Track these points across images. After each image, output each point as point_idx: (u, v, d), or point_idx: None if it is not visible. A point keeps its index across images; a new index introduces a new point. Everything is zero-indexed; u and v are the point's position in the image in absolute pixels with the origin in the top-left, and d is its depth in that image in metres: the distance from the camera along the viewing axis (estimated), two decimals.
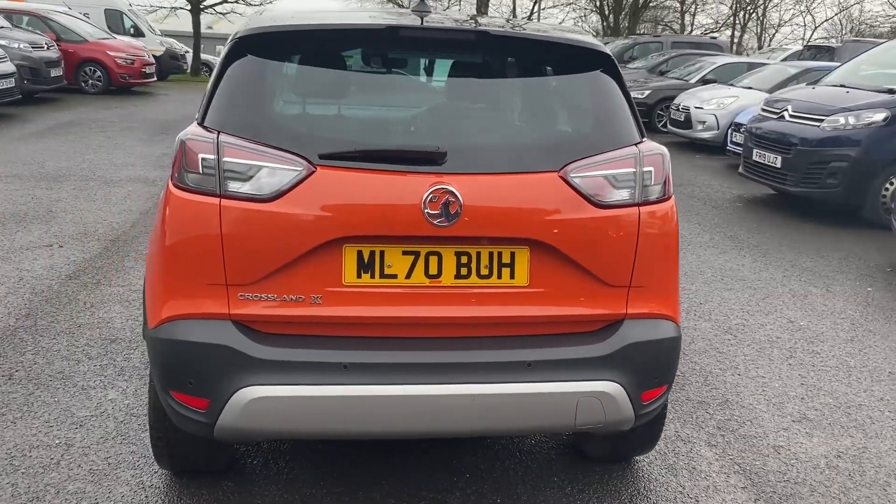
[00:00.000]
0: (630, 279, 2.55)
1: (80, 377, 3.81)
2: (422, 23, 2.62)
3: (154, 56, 18.92)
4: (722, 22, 39.58)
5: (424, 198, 2.35)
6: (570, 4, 34.11)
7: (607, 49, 2.73)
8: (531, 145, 2.56)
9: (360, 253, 2.39)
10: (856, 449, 3.47)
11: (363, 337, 2.44)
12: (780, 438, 3.53)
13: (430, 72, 2.75)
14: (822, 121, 8.09)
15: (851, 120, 7.92)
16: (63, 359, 4.01)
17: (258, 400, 2.33)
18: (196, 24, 26.53)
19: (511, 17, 25.69)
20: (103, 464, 3.07)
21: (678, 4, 39.63)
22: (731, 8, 38.69)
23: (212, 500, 2.86)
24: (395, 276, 2.41)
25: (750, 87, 12.73)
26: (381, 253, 2.40)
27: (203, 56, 26.06)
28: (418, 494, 2.94)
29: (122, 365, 3.97)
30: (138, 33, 22.48)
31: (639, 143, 2.62)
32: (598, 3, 34.85)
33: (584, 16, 36.87)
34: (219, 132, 2.43)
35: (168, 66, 22.18)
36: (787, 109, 8.58)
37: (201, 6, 26.57)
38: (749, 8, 39.05)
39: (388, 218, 2.38)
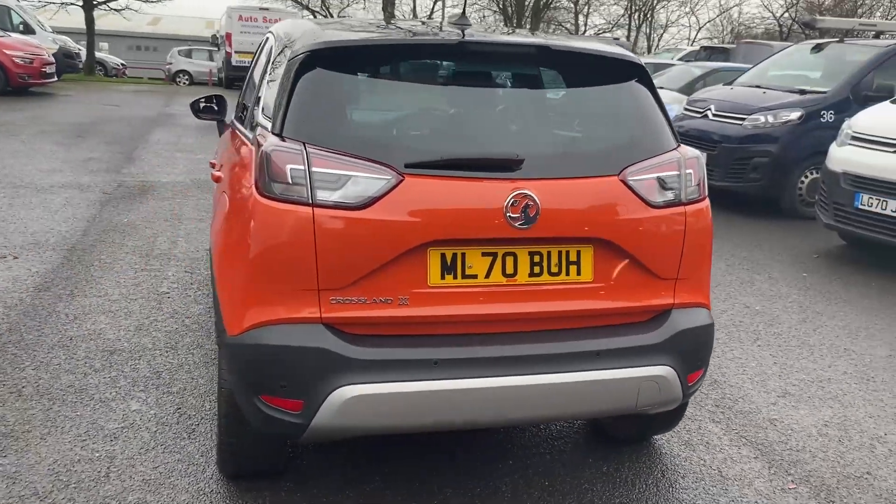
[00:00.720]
0: (677, 272, 2.80)
1: (94, 390, 3.75)
2: (463, 36, 2.77)
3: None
4: (614, 23, 41.19)
5: (507, 202, 2.52)
6: (472, 5, 34.63)
7: (641, 60, 2.97)
8: (592, 151, 2.77)
9: (443, 256, 2.53)
10: (838, 418, 3.87)
11: (448, 335, 2.58)
12: (772, 412, 3.89)
13: (493, 83, 2.91)
14: (743, 119, 8.71)
15: (770, 118, 8.57)
16: (68, 372, 3.93)
17: (355, 399, 2.44)
18: (89, 20, 25.38)
19: (546, 31, 25.24)
20: (154, 473, 3.07)
21: (572, 5, 40.95)
22: (625, 9, 40.28)
23: (275, 501, 2.93)
24: (475, 277, 2.57)
25: (662, 87, 13.42)
26: (463, 255, 2.55)
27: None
28: (472, 482, 3.10)
29: (131, 376, 3.93)
30: (28, 30, 21.30)
31: (676, 147, 2.87)
32: (500, 4, 35.62)
33: (485, 16, 37.55)
34: (304, 143, 2.51)
35: (63, 64, 21.14)
36: (710, 109, 9.17)
37: (94, 1, 25.43)
38: (644, 9, 40.75)
39: (471, 222, 2.53)
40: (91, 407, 3.59)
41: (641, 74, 2.92)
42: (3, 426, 3.35)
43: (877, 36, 10.03)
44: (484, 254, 2.57)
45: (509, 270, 2.60)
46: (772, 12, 40.39)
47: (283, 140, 2.55)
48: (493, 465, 3.25)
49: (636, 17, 41.35)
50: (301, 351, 2.47)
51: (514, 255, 2.60)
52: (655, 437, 3.55)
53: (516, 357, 2.57)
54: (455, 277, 2.55)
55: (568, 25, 42.16)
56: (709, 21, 46.49)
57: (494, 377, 2.54)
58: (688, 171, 2.81)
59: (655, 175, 2.75)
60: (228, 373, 2.65)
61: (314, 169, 2.47)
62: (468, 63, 2.82)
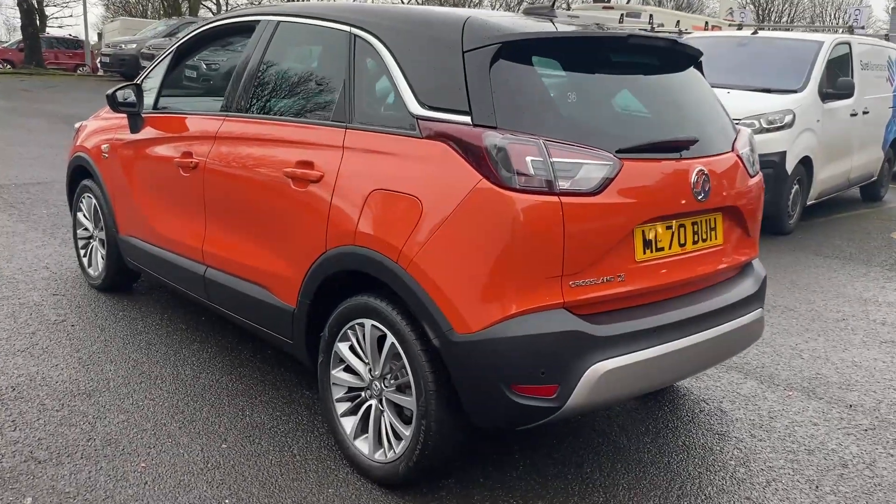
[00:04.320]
0: (757, 230, 3.35)
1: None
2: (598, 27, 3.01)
3: None
4: None
5: (693, 179, 2.84)
6: None
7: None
8: (716, 130, 3.17)
9: (643, 232, 2.76)
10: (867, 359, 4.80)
11: (652, 303, 2.83)
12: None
13: (650, 73, 3.13)
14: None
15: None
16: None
17: (607, 373, 2.59)
18: None
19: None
20: None
21: None
22: None
23: (463, 495, 2.91)
24: (662, 249, 2.84)
25: None
26: (654, 231, 2.81)
27: None
28: (550, 478, 3.16)
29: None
30: None
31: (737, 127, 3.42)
32: None
33: None
34: (537, 135, 2.54)
35: None
36: None
37: None
38: None
39: (671, 199, 2.80)
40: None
41: (700, 62, 3.39)
42: None
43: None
44: (667, 227, 2.85)
45: (681, 240, 2.92)
46: None
47: (505, 131, 2.55)
48: (554, 463, 3.53)
49: None
50: (556, 336, 2.54)
51: (684, 227, 2.92)
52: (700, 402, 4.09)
53: (699, 316, 2.92)
54: (651, 252, 2.80)
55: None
56: None
57: (693, 335, 2.86)
58: (753, 146, 3.37)
59: (747, 149, 3.26)
60: (465, 370, 2.59)
61: (553, 159, 2.53)
62: (631, 55, 3.02)
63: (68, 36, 35.88)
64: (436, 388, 2.67)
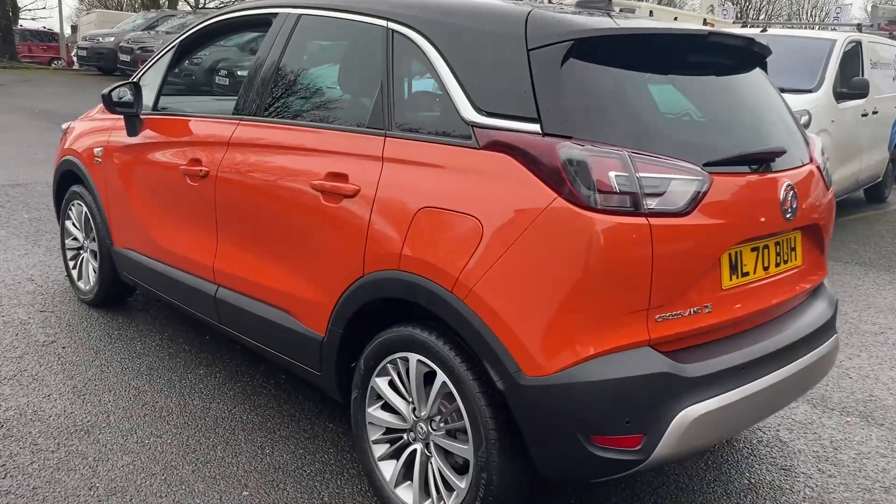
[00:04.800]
0: (827, 248, 3.04)
1: None
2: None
3: None
4: None
5: (782, 195, 2.52)
6: None
7: None
8: (793, 138, 2.84)
9: (730, 256, 2.44)
10: None
11: (735, 335, 2.51)
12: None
13: (726, 75, 2.79)
14: None
15: None
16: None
17: (699, 419, 2.26)
18: None
19: None
20: None
21: None
22: None
23: None
24: (747, 274, 2.53)
25: None
26: (739, 253, 2.49)
27: None
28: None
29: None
30: None
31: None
32: None
33: None
34: (620, 147, 2.21)
35: None
36: None
37: None
38: None
39: (761, 218, 2.48)
40: None
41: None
42: None
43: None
44: (752, 249, 2.53)
45: (765, 263, 2.60)
46: None
47: (583, 141, 2.21)
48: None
49: None
50: (644, 380, 2.21)
51: (767, 248, 2.60)
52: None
53: (784, 348, 2.60)
54: (737, 277, 2.48)
55: None
56: None
57: (779, 369, 2.54)
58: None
59: (824, 158, 2.95)
60: (535, 418, 2.25)
61: (640, 174, 2.19)
62: (707, 55, 2.69)
63: (43, 28, 34.97)
64: (498, 436, 2.34)
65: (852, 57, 8.67)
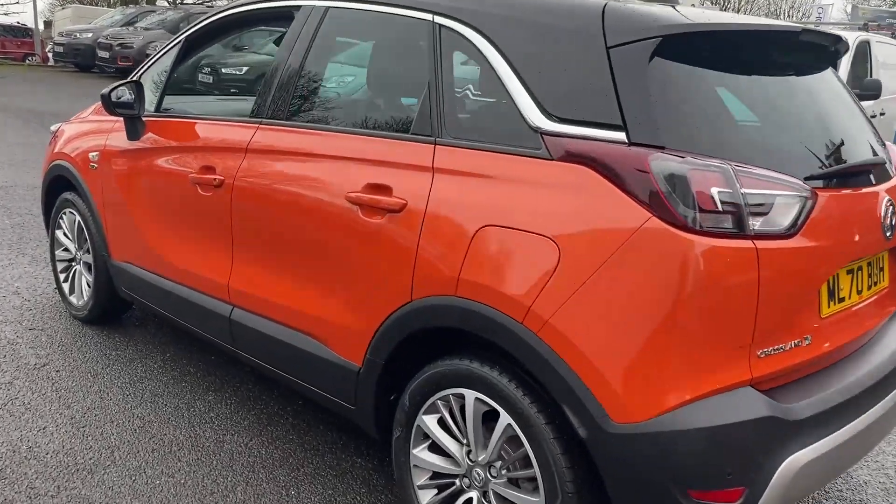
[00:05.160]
0: None
1: None
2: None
3: None
4: None
5: (882, 212, 2.27)
6: None
7: None
8: (879, 147, 2.58)
9: (828, 280, 2.18)
10: None
11: (828, 368, 2.24)
12: None
13: (796, 73, 2.50)
14: None
15: None
16: None
17: (805, 467, 1.99)
18: None
19: None
20: None
21: None
22: None
23: None
24: (843, 300, 2.26)
25: None
26: (836, 277, 2.22)
27: None
28: None
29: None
30: None
31: None
32: None
33: None
34: (719, 157, 1.93)
35: None
36: None
37: None
38: None
39: (862, 238, 2.22)
40: None
41: None
42: None
43: None
44: (848, 272, 2.27)
45: (859, 287, 2.34)
46: None
47: (679, 153, 1.93)
48: None
49: None
50: (748, 426, 1.93)
51: (861, 270, 2.34)
52: None
53: (883, 379, 2.34)
54: (834, 303, 2.22)
55: None
56: None
57: (878, 403, 2.28)
58: None
59: None
60: (623, 470, 1.96)
61: (744, 190, 1.92)
62: (795, 53, 2.41)
63: (16, 24, 34.12)
64: (576, 488, 2.05)
65: (862, 57, 8.51)
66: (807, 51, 2.47)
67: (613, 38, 2.09)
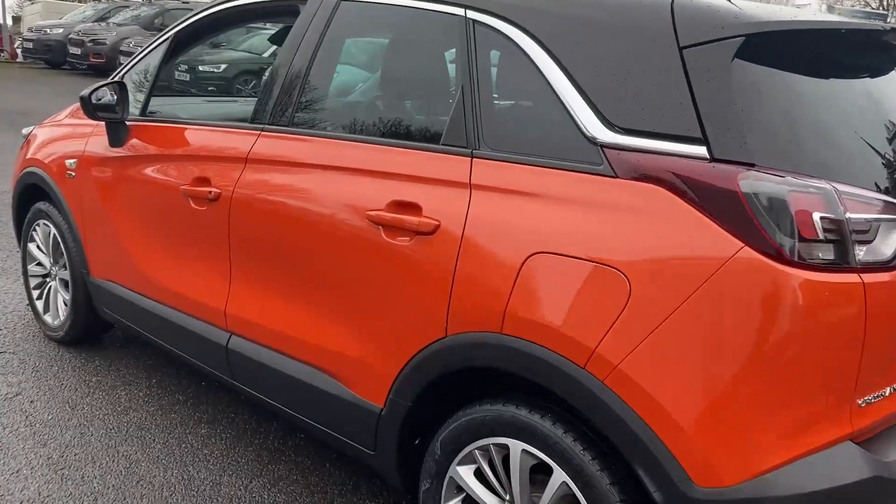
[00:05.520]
0: None
1: None
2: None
3: None
4: None
5: None
6: None
7: None
8: None
9: None
10: None
11: None
12: None
13: (871, 75, 2.23)
14: None
15: None
16: None
17: None
18: None
19: None
20: None
21: None
22: None
23: None
24: None
25: None
26: None
27: None
28: None
29: None
30: None
31: None
32: None
33: None
34: (818, 177, 1.66)
35: None
36: None
37: None
38: None
39: None
40: None
41: None
42: None
43: None
44: None
45: None
46: None
47: (775, 172, 1.66)
48: None
49: None
50: (851, 490, 1.67)
51: None
52: None
53: None
54: None
55: None
56: None
57: None
58: None
59: None
60: None
61: (849, 215, 1.64)
62: (874, 55, 2.14)
63: None
64: None
65: None
66: (882, 51, 2.20)
67: (686, 37, 1.81)
